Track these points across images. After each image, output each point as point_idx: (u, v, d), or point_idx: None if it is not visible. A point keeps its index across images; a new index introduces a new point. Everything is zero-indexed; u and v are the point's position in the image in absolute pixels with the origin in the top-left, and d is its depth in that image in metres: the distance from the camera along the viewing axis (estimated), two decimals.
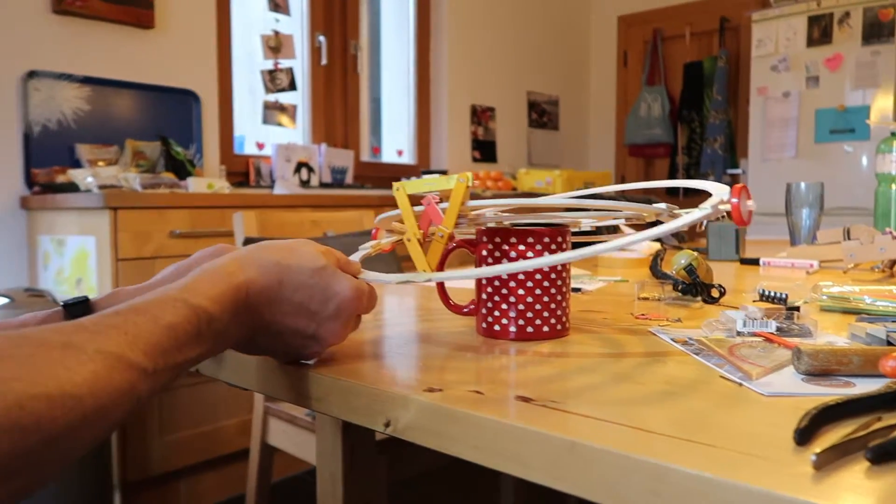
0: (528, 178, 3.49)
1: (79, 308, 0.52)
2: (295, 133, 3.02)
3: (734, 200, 0.55)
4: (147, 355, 0.40)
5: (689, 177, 4.07)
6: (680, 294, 0.84)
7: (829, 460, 0.32)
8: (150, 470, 1.85)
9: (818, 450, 0.32)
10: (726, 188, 0.59)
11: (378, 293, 0.93)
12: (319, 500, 1.00)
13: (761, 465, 0.32)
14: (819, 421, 0.37)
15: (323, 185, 2.95)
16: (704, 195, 0.61)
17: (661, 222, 0.60)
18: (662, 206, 0.61)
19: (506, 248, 0.61)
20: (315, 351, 0.53)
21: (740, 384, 0.46)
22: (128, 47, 2.33)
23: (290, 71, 2.86)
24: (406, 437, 0.44)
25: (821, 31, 3.18)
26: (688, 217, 0.55)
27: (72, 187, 1.97)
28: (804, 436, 0.35)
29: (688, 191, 4.06)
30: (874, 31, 3.06)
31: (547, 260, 0.54)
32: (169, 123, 2.41)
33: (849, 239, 1.23)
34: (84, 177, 1.91)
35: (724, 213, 0.57)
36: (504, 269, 0.56)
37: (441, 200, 0.60)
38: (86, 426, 0.36)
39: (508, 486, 1.64)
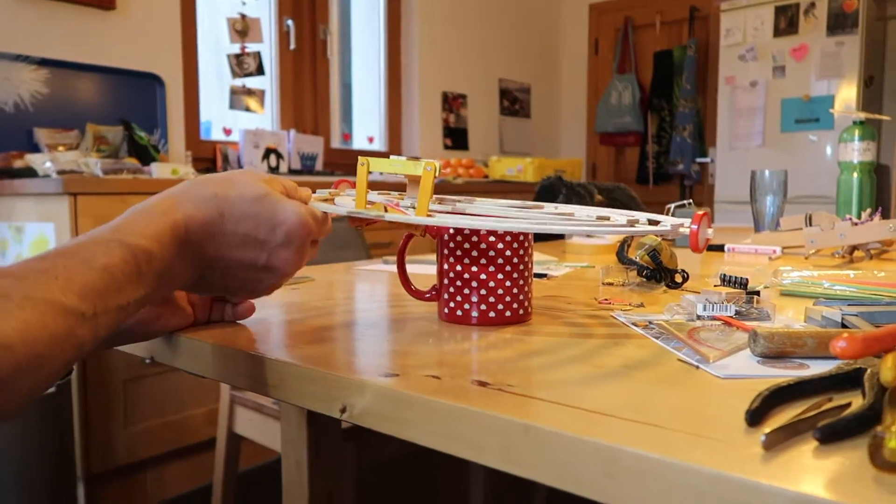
0: (500, 166, 3.49)
1: None
2: (263, 119, 2.97)
3: (693, 227, 0.56)
4: (83, 298, 0.38)
5: (658, 165, 4.10)
6: (644, 279, 0.84)
7: (779, 440, 0.32)
8: (114, 461, 1.82)
9: (768, 430, 0.32)
10: (687, 222, 0.59)
11: (340, 279, 0.92)
12: (285, 488, 0.99)
13: (713, 447, 0.32)
14: (771, 402, 0.37)
15: (292, 171, 2.91)
16: (674, 185, 0.61)
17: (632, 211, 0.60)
18: (623, 219, 0.60)
19: (468, 232, 0.60)
20: (272, 284, 0.52)
21: (697, 367, 0.46)
22: (88, 29, 2.26)
23: (257, 55, 2.81)
24: (362, 423, 0.43)
25: (787, 21, 3.22)
26: (646, 228, 0.55)
27: (29, 172, 1.91)
28: (755, 417, 0.35)
29: (657, 180, 4.10)
30: (839, 22, 3.11)
31: (515, 225, 0.53)
32: (132, 108, 2.35)
33: (810, 225, 1.25)
34: (42, 162, 1.86)
35: (682, 233, 0.57)
36: (467, 222, 0.54)
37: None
38: (21, 376, 0.35)
39: (478, 471, 1.64)
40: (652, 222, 0.60)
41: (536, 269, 0.97)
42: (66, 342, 0.37)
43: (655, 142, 4.13)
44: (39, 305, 0.36)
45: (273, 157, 2.83)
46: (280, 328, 0.61)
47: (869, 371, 0.39)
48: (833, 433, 0.33)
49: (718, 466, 0.30)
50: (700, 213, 0.56)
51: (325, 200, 0.64)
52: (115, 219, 0.45)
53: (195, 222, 0.47)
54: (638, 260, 0.86)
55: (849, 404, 0.37)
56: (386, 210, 0.59)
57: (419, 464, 2.14)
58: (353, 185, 0.67)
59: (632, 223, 0.60)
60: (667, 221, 0.58)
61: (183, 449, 1.96)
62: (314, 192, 0.61)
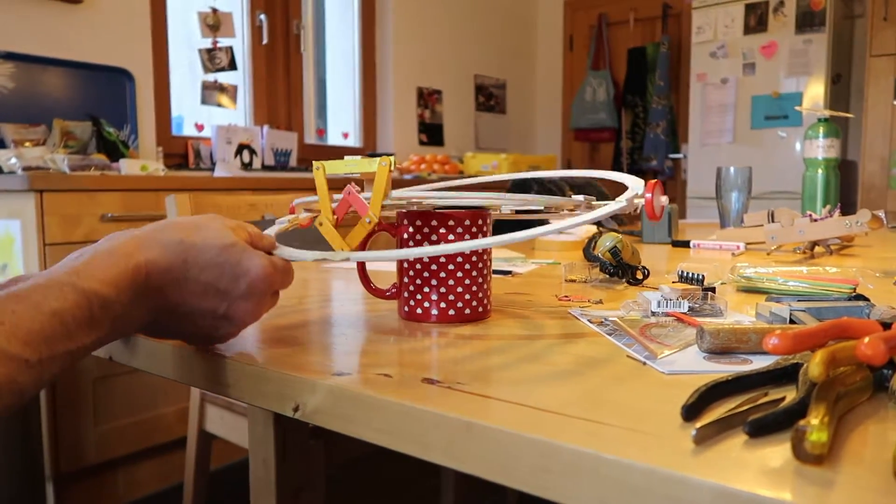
0: (475, 162, 3.50)
1: None
2: (236, 114, 2.95)
3: (648, 195, 0.57)
4: (28, 345, 0.38)
5: (632, 161, 4.14)
6: (606, 276, 0.86)
7: (710, 435, 0.33)
8: (84, 460, 1.80)
9: (699, 425, 0.33)
10: (641, 183, 0.61)
11: (309, 276, 0.92)
12: (252, 486, 0.99)
13: (646, 441, 0.33)
14: (708, 397, 0.38)
15: (266, 167, 2.89)
16: (647, 179, 0.62)
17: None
18: (580, 197, 0.62)
19: (427, 231, 0.61)
20: (228, 332, 0.51)
21: (644, 363, 0.47)
22: (55, 22, 2.23)
23: (229, 50, 2.78)
24: (314, 422, 0.44)
25: (757, 18, 3.27)
26: (603, 209, 0.56)
27: None
28: (691, 412, 0.36)
29: (631, 175, 4.13)
30: (806, 20, 3.16)
31: (469, 244, 0.54)
32: (100, 103, 2.32)
33: (772, 222, 1.27)
34: (7, 158, 1.83)
35: (639, 207, 0.58)
36: (424, 251, 0.56)
37: (362, 189, 0.59)
38: None
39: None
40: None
41: (502, 266, 0.98)
42: (4, 389, 0.37)
43: (629, 138, 4.17)
44: None
45: (246, 153, 2.81)
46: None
47: (804, 366, 0.41)
48: (762, 427, 0.34)
49: (649, 461, 0.31)
50: (652, 182, 0.58)
51: (289, 224, 0.64)
52: (77, 258, 0.44)
53: (157, 268, 0.46)
54: (600, 256, 0.88)
55: (783, 399, 0.38)
56: (350, 254, 0.57)
57: (391, 459, 2.15)
58: (311, 211, 0.67)
59: (589, 204, 0.61)
60: (623, 196, 0.58)
61: (154, 448, 1.94)
62: (294, 196, 0.61)
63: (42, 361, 0.39)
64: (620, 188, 0.62)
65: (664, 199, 0.57)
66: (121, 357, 0.60)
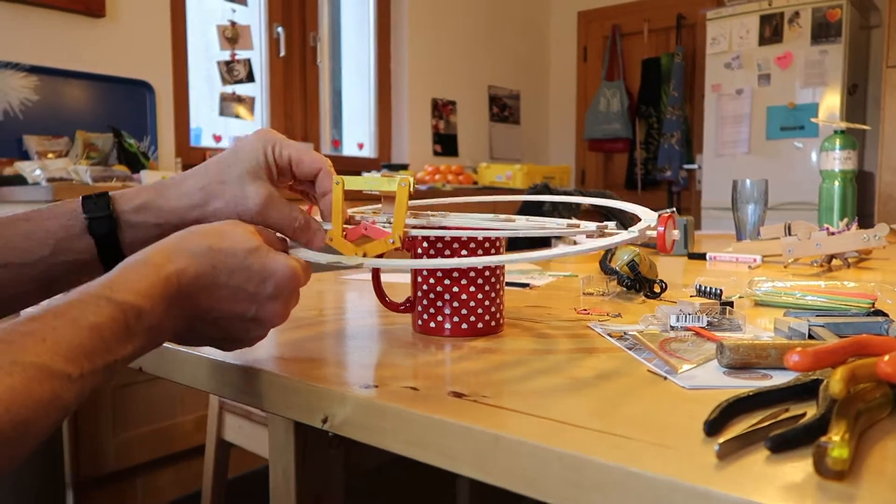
0: (489, 172, 3.51)
1: (101, 202, 0.56)
2: (253, 125, 2.98)
3: (660, 229, 0.57)
4: (70, 360, 0.38)
5: (646, 171, 4.14)
6: (624, 289, 0.86)
7: (733, 450, 0.34)
8: (104, 467, 1.82)
9: (722, 440, 0.34)
10: (654, 216, 0.61)
11: (327, 288, 0.94)
12: (272, 495, 1.01)
13: (670, 456, 0.34)
14: (729, 413, 0.39)
15: None
16: (662, 191, 0.63)
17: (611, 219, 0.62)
18: (592, 226, 0.62)
19: (440, 246, 0.62)
20: (258, 335, 0.52)
21: (665, 378, 0.48)
22: (77, 36, 2.27)
23: (247, 62, 2.82)
24: (343, 433, 0.45)
25: (772, 29, 3.27)
26: (615, 238, 0.57)
27: (19, 180, 1.91)
28: (714, 427, 0.37)
29: (645, 186, 4.14)
30: (822, 31, 3.15)
31: (482, 260, 0.55)
32: (122, 115, 2.36)
33: (789, 235, 1.27)
34: (32, 169, 1.87)
35: (652, 239, 0.59)
36: (438, 263, 0.56)
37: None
38: (3, 444, 0.35)
39: (465, 477, 1.66)
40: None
41: (519, 279, 0.99)
42: (50, 405, 0.37)
43: (644, 148, 4.17)
44: (28, 370, 0.36)
45: None
46: (264, 339, 0.62)
47: (825, 382, 0.41)
48: (783, 443, 0.35)
49: (674, 475, 0.32)
50: (665, 215, 0.58)
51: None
52: (109, 272, 0.46)
53: (188, 276, 0.47)
54: (618, 270, 0.88)
55: (803, 414, 0.39)
56: (365, 255, 0.59)
57: (409, 469, 2.15)
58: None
59: (602, 230, 0.62)
60: (635, 227, 0.59)
61: (172, 455, 1.96)
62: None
63: (84, 376, 0.39)
64: (639, 202, 0.63)
65: (676, 234, 0.58)
66: (151, 367, 0.61)
